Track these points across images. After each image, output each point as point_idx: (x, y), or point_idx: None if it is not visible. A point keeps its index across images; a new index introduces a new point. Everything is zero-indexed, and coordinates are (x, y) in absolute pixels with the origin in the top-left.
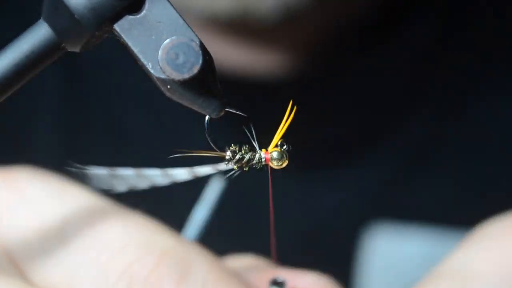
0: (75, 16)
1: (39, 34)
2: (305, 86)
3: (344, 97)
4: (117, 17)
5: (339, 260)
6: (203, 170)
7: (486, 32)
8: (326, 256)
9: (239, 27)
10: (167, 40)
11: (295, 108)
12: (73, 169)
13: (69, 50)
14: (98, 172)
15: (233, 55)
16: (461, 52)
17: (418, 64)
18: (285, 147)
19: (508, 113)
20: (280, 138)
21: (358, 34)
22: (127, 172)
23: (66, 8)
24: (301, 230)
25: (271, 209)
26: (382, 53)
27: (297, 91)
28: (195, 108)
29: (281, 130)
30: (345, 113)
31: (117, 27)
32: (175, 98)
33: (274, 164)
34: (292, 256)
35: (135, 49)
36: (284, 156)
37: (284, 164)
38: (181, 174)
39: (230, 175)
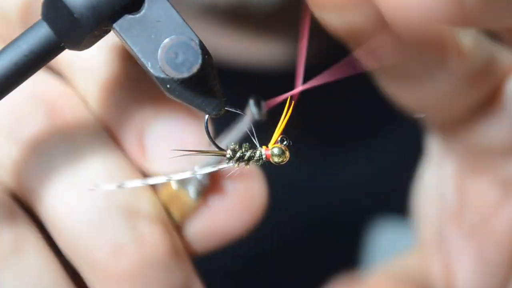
0: (74, 15)
1: (38, 33)
2: (308, 74)
3: (348, 83)
4: (116, 16)
5: (347, 243)
6: (204, 170)
7: None
8: (334, 239)
9: (239, 14)
10: (167, 39)
11: (293, 103)
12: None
13: (69, 49)
14: (106, 187)
15: (234, 45)
16: None
17: None
18: (285, 142)
19: None
20: (280, 134)
21: None
22: (134, 184)
23: (65, 7)
24: (311, 212)
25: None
26: None
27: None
28: (195, 107)
29: (280, 126)
30: (348, 100)
31: (116, 26)
32: (175, 97)
33: (275, 160)
34: (300, 238)
35: (135, 49)
36: (285, 151)
37: (286, 160)
38: (183, 176)
39: (232, 173)
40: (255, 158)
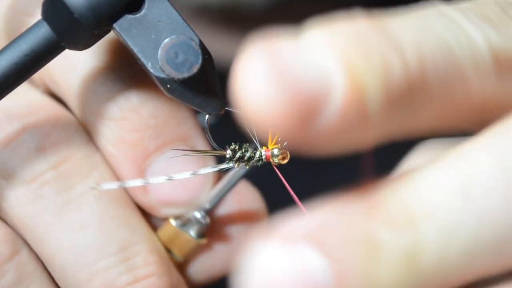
0: (74, 15)
1: (38, 33)
2: None
3: None
4: (117, 16)
5: None
6: (205, 170)
7: None
8: None
9: (230, 15)
10: (167, 39)
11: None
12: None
13: (69, 49)
14: (108, 186)
15: (226, 48)
16: None
17: None
18: (285, 143)
19: None
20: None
21: None
22: (135, 183)
23: (65, 7)
24: None
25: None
26: None
27: None
28: (195, 107)
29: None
30: None
31: (116, 26)
32: (175, 97)
33: (275, 161)
34: None
35: (135, 48)
36: (285, 152)
37: (285, 160)
38: (184, 176)
39: (234, 172)
40: (255, 159)
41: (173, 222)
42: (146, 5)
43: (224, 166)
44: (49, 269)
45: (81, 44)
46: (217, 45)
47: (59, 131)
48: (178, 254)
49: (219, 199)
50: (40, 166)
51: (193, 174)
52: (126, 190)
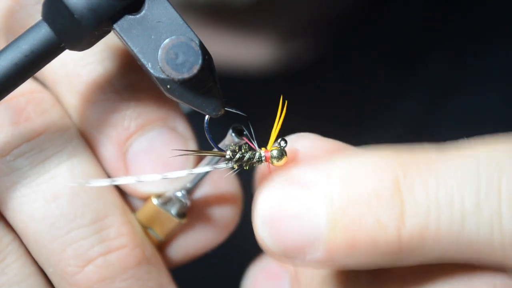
0: (75, 16)
1: (38, 34)
2: (290, 78)
3: (332, 85)
4: (117, 16)
5: None
6: (202, 169)
7: None
8: None
9: (217, 10)
10: (167, 40)
11: (286, 103)
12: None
13: (69, 49)
14: (100, 183)
15: (217, 49)
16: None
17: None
18: (284, 144)
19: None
20: (277, 136)
21: (341, 19)
22: (128, 180)
23: (65, 8)
24: None
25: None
26: (368, 38)
27: (283, 84)
28: (195, 107)
29: (276, 127)
30: (333, 101)
31: (116, 27)
32: (175, 97)
33: (274, 162)
34: None
35: (135, 49)
36: (284, 153)
37: (284, 162)
38: (181, 175)
39: (230, 174)
40: (254, 160)
41: (154, 200)
42: (146, 5)
43: (222, 166)
44: (24, 240)
45: (81, 44)
46: (211, 46)
47: (34, 106)
48: (159, 232)
49: (200, 179)
50: (14, 139)
51: (190, 173)
52: (102, 165)
